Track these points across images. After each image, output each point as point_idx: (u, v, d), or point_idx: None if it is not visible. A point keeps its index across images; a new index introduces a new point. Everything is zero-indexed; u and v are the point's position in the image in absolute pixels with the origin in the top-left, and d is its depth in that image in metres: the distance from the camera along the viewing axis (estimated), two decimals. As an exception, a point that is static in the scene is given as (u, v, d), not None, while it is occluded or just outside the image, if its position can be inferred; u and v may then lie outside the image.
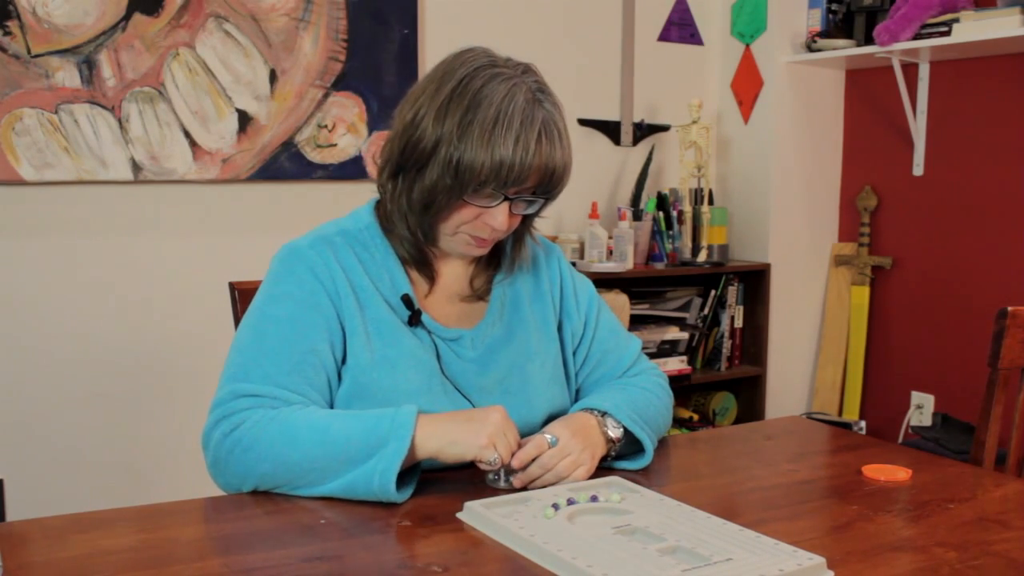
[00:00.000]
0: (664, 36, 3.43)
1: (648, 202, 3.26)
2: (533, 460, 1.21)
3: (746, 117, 3.46)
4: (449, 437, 1.17)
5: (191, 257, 2.63)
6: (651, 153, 3.36)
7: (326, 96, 2.74)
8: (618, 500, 1.14)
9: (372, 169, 2.82)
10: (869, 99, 3.45)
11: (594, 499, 1.14)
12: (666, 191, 3.32)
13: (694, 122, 3.27)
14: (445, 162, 1.22)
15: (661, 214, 3.24)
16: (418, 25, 2.86)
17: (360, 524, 1.10)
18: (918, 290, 3.33)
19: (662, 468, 1.35)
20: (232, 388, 1.22)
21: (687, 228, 3.33)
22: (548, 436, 1.23)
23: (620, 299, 3.00)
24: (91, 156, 2.44)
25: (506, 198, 1.25)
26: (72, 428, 2.51)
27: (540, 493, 1.17)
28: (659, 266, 3.18)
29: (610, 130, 3.33)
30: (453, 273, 1.39)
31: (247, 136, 2.64)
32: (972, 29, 2.84)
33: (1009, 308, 1.56)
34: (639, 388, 1.41)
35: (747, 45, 3.44)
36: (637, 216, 3.20)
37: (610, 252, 3.09)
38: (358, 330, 1.28)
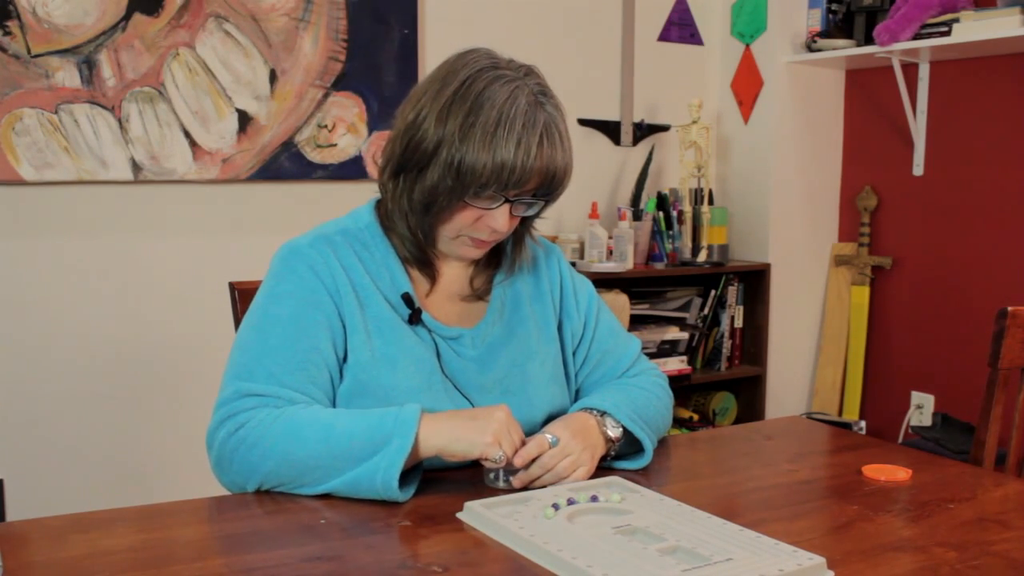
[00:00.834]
0: (664, 36, 3.43)
1: (648, 202, 3.26)
2: (534, 460, 1.21)
3: (746, 117, 3.46)
4: (454, 435, 1.17)
5: (191, 257, 2.63)
6: (651, 153, 3.36)
7: (326, 96, 2.74)
8: (618, 500, 1.14)
9: (372, 169, 2.82)
10: (869, 99, 3.45)
11: (594, 499, 1.14)
12: (666, 191, 3.32)
13: (694, 122, 3.27)
14: (447, 164, 1.22)
15: (661, 214, 3.24)
16: (418, 25, 2.86)
17: (360, 524, 1.10)
18: (918, 290, 3.33)
19: (662, 468, 1.35)
20: (236, 387, 1.22)
21: (687, 228, 3.33)
22: (549, 436, 1.23)
23: (620, 299, 2.99)
24: (91, 156, 2.44)
25: (507, 200, 1.25)
26: (72, 428, 2.51)
27: (540, 493, 1.17)
28: (659, 266, 3.18)
29: (610, 130, 3.33)
30: (453, 273, 1.39)
31: (247, 136, 2.64)
32: (972, 29, 2.84)
33: (1009, 308, 1.56)
34: (639, 388, 1.41)
35: (747, 45, 3.44)
36: (637, 216, 3.20)
37: (610, 252, 3.09)
38: (358, 328, 1.28)
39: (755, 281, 3.40)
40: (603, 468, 1.29)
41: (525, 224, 1.38)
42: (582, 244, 3.13)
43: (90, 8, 2.41)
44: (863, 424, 3.35)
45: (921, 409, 3.32)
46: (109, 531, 1.07)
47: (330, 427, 1.17)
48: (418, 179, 1.27)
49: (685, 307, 3.35)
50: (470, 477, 1.26)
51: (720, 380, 3.41)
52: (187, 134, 2.56)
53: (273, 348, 1.24)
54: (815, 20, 3.34)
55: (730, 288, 3.36)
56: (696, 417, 3.34)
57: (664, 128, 3.43)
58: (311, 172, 2.74)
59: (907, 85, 3.20)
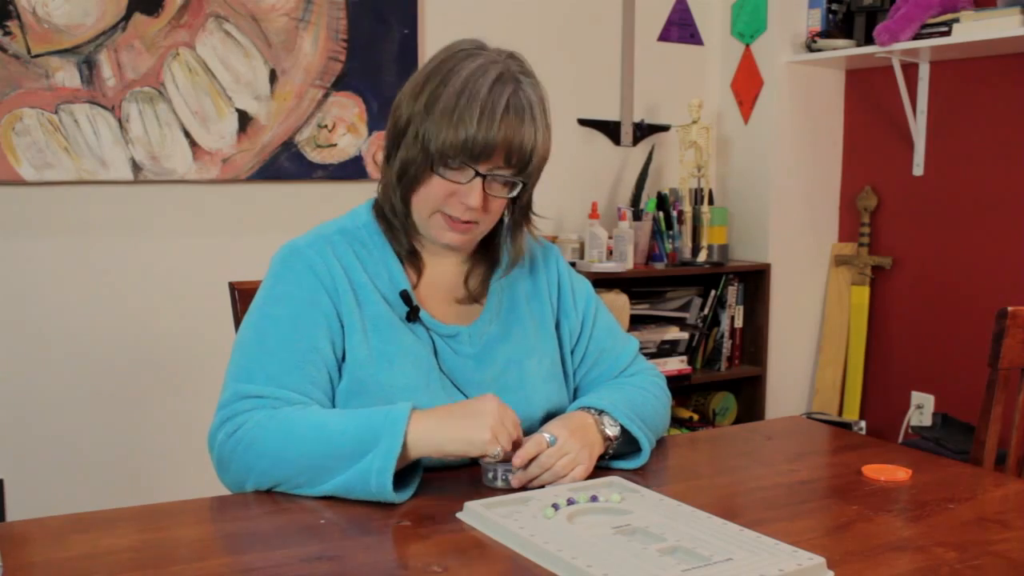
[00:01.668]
0: (664, 36, 3.43)
1: (648, 202, 3.26)
2: (533, 459, 1.21)
3: (746, 117, 3.46)
4: (448, 434, 1.17)
5: (191, 257, 2.63)
6: (651, 153, 3.35)
7: (326, 96, 2.74)
8: (618, 500, 1.14)
9: (372, 169, 2.82)
10: (869, 99, 3.45)
11: (594, 499, 1.14)
12: (666, 191, 3.32)
13: (694, 122, 3.27)
14: (414, 136, 1.26)
15: (661, 214, 3.23)
16: (418, 25, 2.86)
17: (360, 524, 1.10)
18: (918, 290, 3.33)
19: (662, 468, 1.35)
20: (236, 389, 1.23)
21: (687, 228, 3.33)
22: (547, 435, 1.23)
23: (620, 299, 2.99)
24: (91, 156, 2.44)
25: (478, 174, 1.25)
26: (72, 428, 2.51)
27: (540, 493, 1.17)
28: (659, 266, 3.18)
29: (610, 130, 3.33)
30: (447, 272, 1.39)
31: (247, 136, 2.64)
32: (972, 29, 2.84)
33: (1009, 308, 1.56)
34: (637, 387, 1.41)
35: (747, 45, 3.44)
36: (637, 216, 3.20)
37: (610, 252, 3.09)
38: (356, 327, 1.28)
39: (755, 281, 3.40)
40: (601, 467, 1.29)
41: (518, 215, 1.37)
42: (582, 244, 3.13)
43: (90, 8, 2.41)
44: (863, 424, 3.35)
45: (921, 409, 3.32)
46: (109, 531, 1.07)
47: (322, 427, 1.17)
48: (396, 156, 1.30)
49: (685, 307, 3.35)
50: (470, 477, 1.26)
51: (720, 380, 3.41)
52: (187, 134, 2.56)
53: (272, 349, 1.25)
54: (815, 20, 3.34)
55: (730, 288, 3.36)
56: (696, 417, 3.34)
57: (664, 128, 3.43)
58: (311, 172, 2.74)
59: (907, 85, 3.20)
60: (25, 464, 2.45)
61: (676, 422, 3.30)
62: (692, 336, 3.30)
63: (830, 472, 1.36)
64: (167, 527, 1.10)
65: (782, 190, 3.42)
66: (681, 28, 3.47)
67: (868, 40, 3.18)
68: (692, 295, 3.36)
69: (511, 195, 1.31)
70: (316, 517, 1.12)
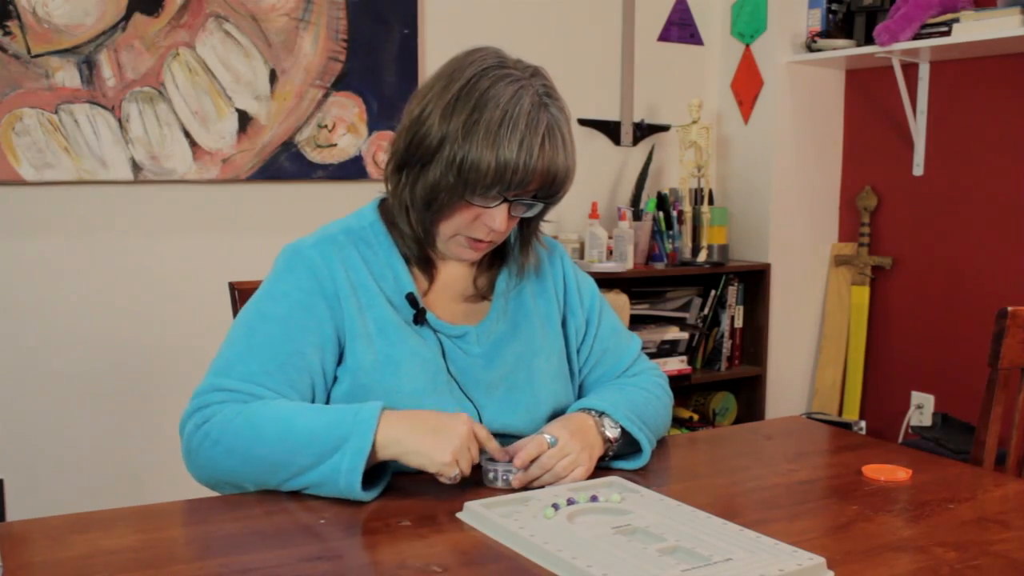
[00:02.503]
0: (664, 36, 3.43)
1: (648, 202, 3.26)
2: (534, 460, 1.21)
3: (746, 117, 3.46)
4: (411, 447, 1.15)
5: (191, 257, 2.63)
6: (651, 153, 3.35)
7: (326, 96, 2.74)
8: (618, 500, 1.14)
9: (372, 169, 2.82)
10: (869, 99, 3.45)
11: (594, 499, 1.14)
12: (666, 191, 3.32)
13: (694, 122, 3.27)
14: (449, 161, 1.22)
15: (661, 214, 3.23)
16: (418, 25, 2.86)
17: (360, 524, 1.10)
18: (918, 290, 3.33)
19: (662, 468, 1.35)
20: (212, 381, 1.24)
21: (687, 228, 3.33)
22: (547, 436, 1.23)
23: (620, 299, 2.99)
24: (91, 156, 2.44)
25: (506, 200, 1.25)
26: (72, 428, 2.51)
27: (540, 493, 1.17)
28: (659, 266, 3.18)
29: (610, 130, 3.33)
30: (456, 272, 1.39)
31: (247, 136, 2.64)
32: (972, 29, 2.84)
33: (1009, 308, 1.55)
34: (638, 388, 1.41)
35: (747, 45, 3.44)
36: (637, 216, 3.20)
37: (610, 252, 3.09)
38: (359, 331, 1.28)
39: (755, 281, 3.40)
40: (601, 468, 1.29)
41: (530, 228, 1.38)
42: (582, 244, 3.13)
43: (90, 8, 2.41)
44: (863, 424, 3.35)
45: (921, 409, 3.32)
46: (109, 531, 1.07)
47: (290, 423, 1.17)
48: (421, 175, 1.26)
49: (685, 307, 3.35)
50: (470, 477, 1.25)
51: (720, 380, 3.41)
52: (187, 134, 2.56)
53: (257, 347, 1.25)
54: (815, 20, 3.34)
55: (730, 288, 3.36)
56: (696, 417, 3.34)
57: (664, 128, 3.43)
58: (311, 172, 2.74)
59: (907, 85, 3.20)
60: (25, 464, 2.45)
61: (676, 422, 3.29)
62: (692, 336, 3.30)
63: (830, 472, 1.36)
64: (167, 527, 1.11)
65: (782, 190, 3.42)
66: (681, 28, 3.47)
67: (868, 40, 3.17)
68: (692, 295, 3.36)
69: (529, 215, 1.30)
70: (316, 517, 1.12)
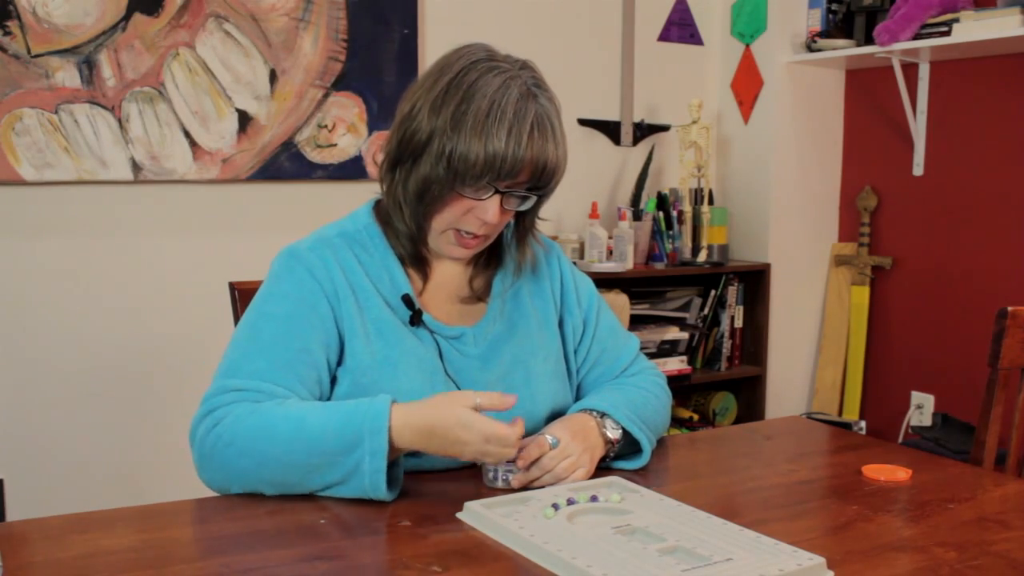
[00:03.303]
0: (664, 36, 3.43)
1: (648, 202, 3.26)
2: (535, 462, 1.22)
3: (746, 117, 3.46)
4: (425, 443, 1.16)
5: (191, 257, 2.63)
6: (651, 153, 3.35)
7: (326, 96, 2.74)
8: (618, 500, 1.14)
9: (372, 169, 2.82)
10: (869, 99, 3.45)
11: (594, 499, 1.14)
12: (666, 191, 3.32)
13: (694, 122, 3.27)
14: (439, 153, 1.23)
15: (661, 214, 3.23)
16: (418, 25, 2.86)
17: (360, 524, 1.10)
18: (918, 290, 3.33)
19: (662, 468, 1.35)
20: (221, 383, 1.22)
21: (687, 228, 3.33)
22: (549, 437, 1.23)
23: (620, 299, 2.99)
24: (91, 156, 2.44)
25: (497, 191, 1.25)
26: (72, 428, 2.51)
27: (540, 493, 1.17)
28: (659, 266, 3.18)
29: (610, 130, 3.33)
30: (451, 272, 1.39)
31: (247, 136, 2.64)
32: (972, 29, 2.84)
33: (1009, 308, 1.55)
34: (637, 388, 1.41)
35: (747, 45, 3.44)
36: (637, 216, 3.20)
37: (610, 252, 3.09)
38: (358, 332, 1.28)
39: (755, 281, 3.40)
40: (602, 468, 1.29)
41: (526, 224, 1.38)
42: (582, 244, 3.13)
43: (90, 8, 2.41)
44: (863, 424, 3.35)
45: (921, 409, 3.32)
46: (109, 531, 1.07)
47: (301, 422, 1.16)
48: (413, 169, 1.27)
49: (685, 307, 3.35)
50: (470, 477, 1.26)
51: (720, 380, 3.41)
52: (187, 134, 2.56)
53: (264, 346, 1.24)
54: (815, 20, 3.34)
55: (730, 288, 3.36)
56: (696, 417, 3.34)
57: (664, 128, 3.43)
58: (311, 172, 2.74)
59: (907, 85, 3.20)
60: (25, 464, 2.45)
61: (676, 422, 3.29)
62: (692, 336, 3.30)
63: (830, 472, 1.36)
64: (167, 527, 1.10)
65: (782, 190, 3.42)
66: (681, 28, 3.47)
67: (868, 40, 3.17)
68: (692, 295, 3.36)
69: (522, 208, 1.31)
70: (316, 517, 1.12)
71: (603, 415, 1.31)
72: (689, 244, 3.33)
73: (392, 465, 1.17)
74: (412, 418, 1.16)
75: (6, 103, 2.33)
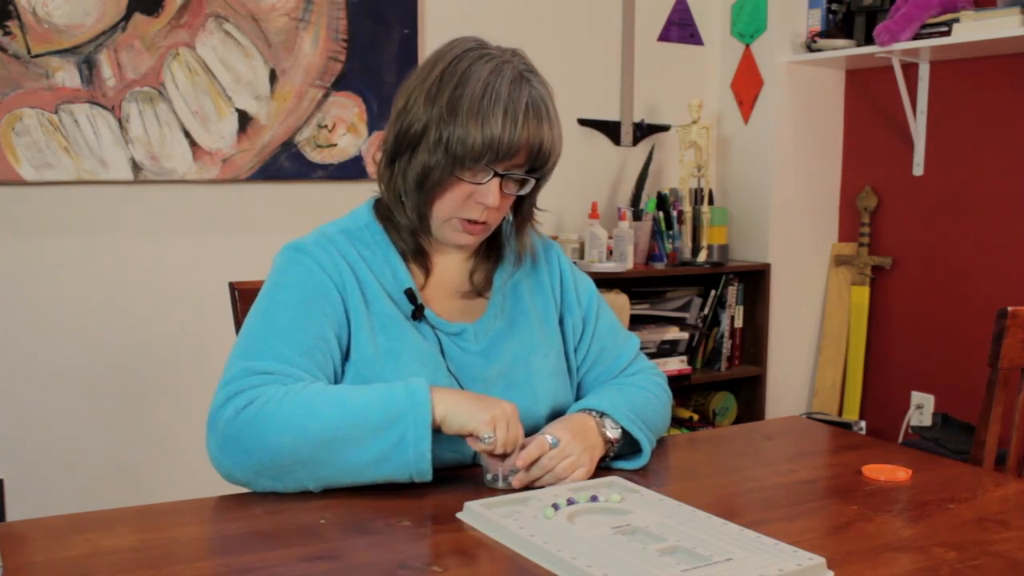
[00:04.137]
0: (664, 36, 3.43)
1: (648, 202, 3.26)
2: (535, 462, 1.22)
3: (746, 117, 3.46)
4: (456, 405, 1.18)
5: (191, 257, 2.63)
6: (651, 153, 3.35)
7: (326, 96, 2.74)
8: (618, 500, 1.14)
9: (372, 169, 2.82)
10: (869, 99, 3.45)
11: (594, 499, 1.14)
12: (666, 191, 3.32)
13: (694, 122, 3.27)
14: (436, 141, 1.25)
15: (661, 214, 3.23)
16: (418, 25, 2.86)
17: (360, 524, 1.10)
18: (918, 290, 3.33)
19: (662, 468, 1.35)
20: (243, 366, 1.20)
21: (687, 228, 3.33)
22: (549, 437, 1.23)
23: (620, 299, 2.99)
24: (91, 156, 2.44)
25: (496, 174, 1.26)
26: (72, 428, 2.51)
27: (540, 493, 1.17)
28: (659, 266, 3.18)
29: (610, 130, 3.33)
30: (452, 267, 1.40)
31: (247, 136, 2.64)
32: (972, 29, 2.84)
33: (1009, 308, 1.56)
34: (637, 388, 1.41)
35: (747, 45, 3.44)
36: (637, 216, 3.20)
37: (610, 252, 3.09)
38: (363, 325, 1.28)
39: (755, 281, 3.40)
40: (601, 468, 1.29)
41: (525, 212, 1.39)
42: (582, 244, 3.13)
43: (90, 8, 2.41)
44: (863, 424, 3.35)
45: (921, 409, 3.32)
46: (109, 531, 1.07)
47: (342, 400, 1.17)
48: (411, 160, 1.28)
49: (685, 307, 3.35)
50: (470, 477, 1.26)
51: (720, 380, 3.41)
52: (187, 134, 2.56)
53: (281, 331, 1.24)
54: (815, 20, 3.34)
55: (730, 288, 3.36)
56: (696, 417, 3.34)
57: (664, 128, 3.43)
58: (311, 172, 2.74)
59: (907, 85, 3.20)
60: (25, 464, 2.45)
61: (676, 422, 3.30)
62: (692, 336, 3.30)
63: (830, 472, 1.36)
64: (167, 527, 1.10)
65: (782, 190, 3.42)
66: (681, 28, 3.47)
67: (868, 40, 3.18)
68: (692, 295, 3.36)
69: (522, 192, 1.32)
70: (316, 517, 1.12)
71: (602, 415, 1.31)
72: (689, 244, 3.33)
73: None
74: (444, 389, 1.20)
75: (6, 103, 2.33)
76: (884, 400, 3.46)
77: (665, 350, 3.20)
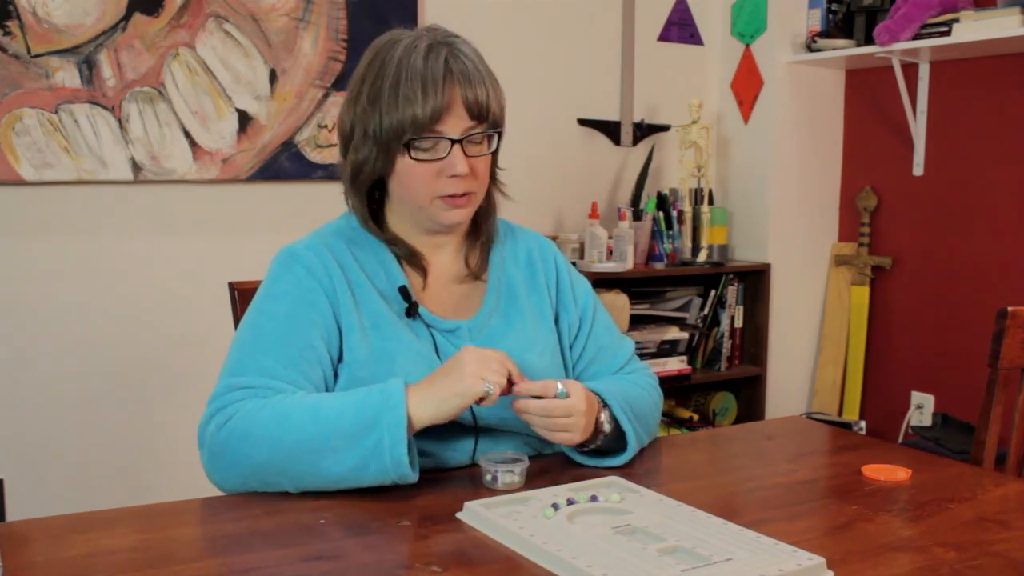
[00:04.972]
0: (664, 36, 3.43)
1: (648, 202, 3.26)
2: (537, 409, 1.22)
3: (746, 117, 3.46)
4: (440, 395, 1.17)
5: (191, 257, 2.63)
6: (651, 153, 3.35)
7: (326, 96, 2.74)
8: (618, 500, 1.14)
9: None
10: (869, 99, 3.45)
11: (594, 499, 1.14)
12: (666, 191, 3.32)
13: (694, 122, 3.27)
14: (363, 136, 1.29)
15: (661, 214, 3.23)
16: (418, 25, 2.86)
17: (360, 524, 1.10)
18: (918, 290, 3.33)
19: (662, 468, 1.35)
20: (227, 382, 1.23)
21: (687, 228, 3.33)
22: (560, 385, 1.23)
23: (620, 299, 2.99)
24: (91, 156, 2.44)
25: (453, 141, 1.26)
26: (72, 428, 2.51)
27: (540, 493, 1.17)
28: (659, 266, 3.18)
29: (610, 130, 3.33)
30: (447, 260, 1.40)
31: (247, 136, 2.64)
32: (972, 29, 2.84)
33: (1009, 308, 1.55)
34: (634, 384, 1.42)
35: (747, 45, 3.44)
36: (637, 216, 3.20)
37: (610, 252, 3.09)
38: (355, 327, 1.29)
39: (755, 281, 3.40)
40: (594, 467, 1.29)
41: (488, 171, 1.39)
42: (582, 244, 3.13)
43: (90, 8, 2.41)
44: (863, 424, 3.35)
45: (921, 409, 3.32)
46: (109, 531, 1.07)
47: (316, 409, 1.17)
48: (347, 162, 1.33)
49: (685, 307, 3.35)
50: (470, 477, 1.26)
51: (720, 380, 3.41)
52: (187, 134, 2.56)
53: (267, 344, 1.25)
54: (815, 20, 3.34)
55: (730, 288, 3.36)
56: (696, 417, 3.34)
57: (664, 128, 3.43)
58: (311, 172, 2.74)
59: (907, 85, 3.20)
60: (25, 464, 2.45)
61: (676, 422, 3.30)
62: (692, 336, 3.30)
63: (830, 472, 1.36)
64: (167, 527, 1.10)
65: (782, 190, 3.42)
66: (681, 28, 3.47)
67: (868, 40, 3.17)
68: (692, 295, 3.36)
69: (492, 150, 1.33)
70: (316, 517, 1.12)
71: (605, 405, 1.31)
72: (689, 244, 3.33)
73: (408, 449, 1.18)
74: (422, 384, 1.18)
75: (6, 103, 2.33)
76: (884, 400, 3.46)
77: (665, 350, 3.20)
